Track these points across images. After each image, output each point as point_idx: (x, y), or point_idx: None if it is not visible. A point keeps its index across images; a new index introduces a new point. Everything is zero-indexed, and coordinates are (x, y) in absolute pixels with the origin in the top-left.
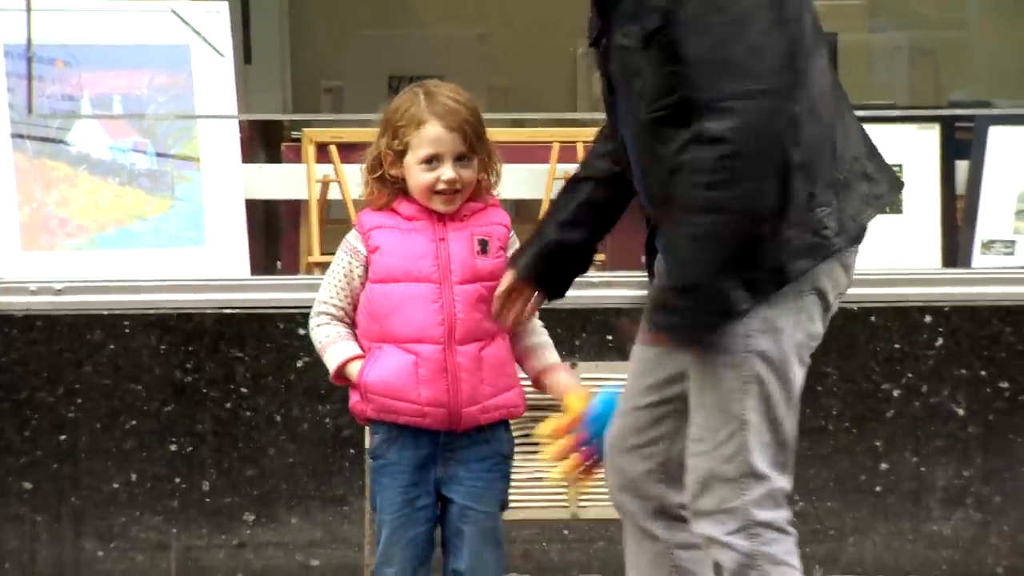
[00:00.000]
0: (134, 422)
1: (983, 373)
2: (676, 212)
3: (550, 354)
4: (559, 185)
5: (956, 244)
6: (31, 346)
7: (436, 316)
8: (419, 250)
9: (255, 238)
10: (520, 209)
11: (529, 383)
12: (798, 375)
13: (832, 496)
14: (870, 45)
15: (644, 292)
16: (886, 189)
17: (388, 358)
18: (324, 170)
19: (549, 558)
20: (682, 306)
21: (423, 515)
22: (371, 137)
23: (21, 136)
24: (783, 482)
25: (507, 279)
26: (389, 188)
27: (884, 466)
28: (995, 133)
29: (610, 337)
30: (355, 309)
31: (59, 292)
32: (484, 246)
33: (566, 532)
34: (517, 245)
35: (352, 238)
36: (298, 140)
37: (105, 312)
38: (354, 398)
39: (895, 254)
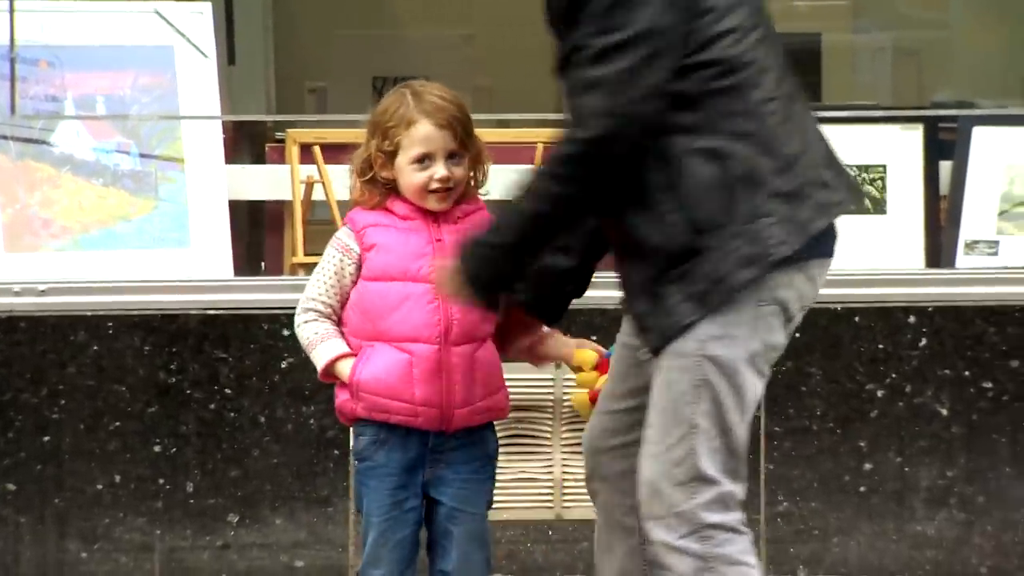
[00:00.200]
0: (118, 423)
1: (967, 373)
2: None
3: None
4: None
5: (940, 244)
6: (14, 347)
7: (432, 316)
8: (417, 249)
9: (239, 239)
10: None
11: (511, 385)
12: (753, 384)
13: (816, 496)
14: (853, 45)
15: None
16: (843, 196)
17: (381, 357)
18: (308, 171)
19: (533, 559)
20: (475, 254)
21: (411, 517)
22: (355, 138)
23: (4, 137)
24: (733, 487)
25: (502, 308)
26: (380, 189)
27: (868, 466)
28: (978, 133)
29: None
30: (343, 307)
31: (42, 293)
32: None
33: (550, 533)
34: None
35: (344, 236)
36: (282, 141)
37: (89, 313)
38: (342, 397)
39: (879, 254)
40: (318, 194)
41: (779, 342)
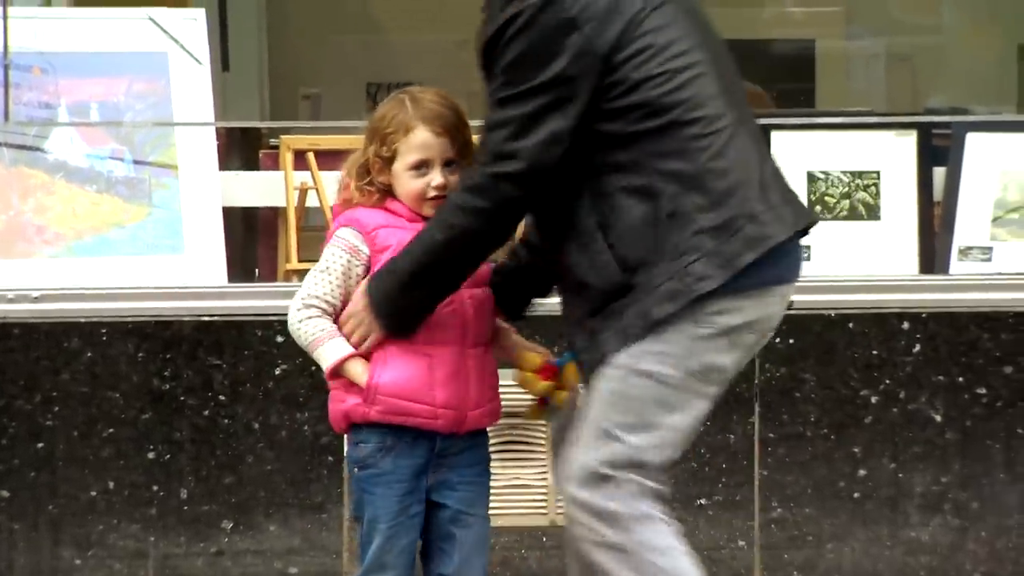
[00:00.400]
0: (112, 430)
1: (961, 379)
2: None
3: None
4: None
5: (933, 250)
6: (8, 354)
7: (451, 318)
8: None
9: (233, 246)
10: None
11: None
12: (686, 400)
13: (810, 502)
14: (847, 52)
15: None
16: (774, 230)
17: (401, 360)
18: (302, 177)
19: (528, 565)
20: (379, 279)
21: (416, 522)
22: (349, 144)
23: None
24: (652, 483)
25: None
26: (377, 192)
27: (862, 472)
28: (972, 139)
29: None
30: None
31: (36, 300)
32: None
33: (544, 539)
34: None
35: (351, 236)
36: (276, 147)
37: (83, 320)
38: (351, 401)
39: (873, 260)
40: (312, 201)
41: (721, 363)
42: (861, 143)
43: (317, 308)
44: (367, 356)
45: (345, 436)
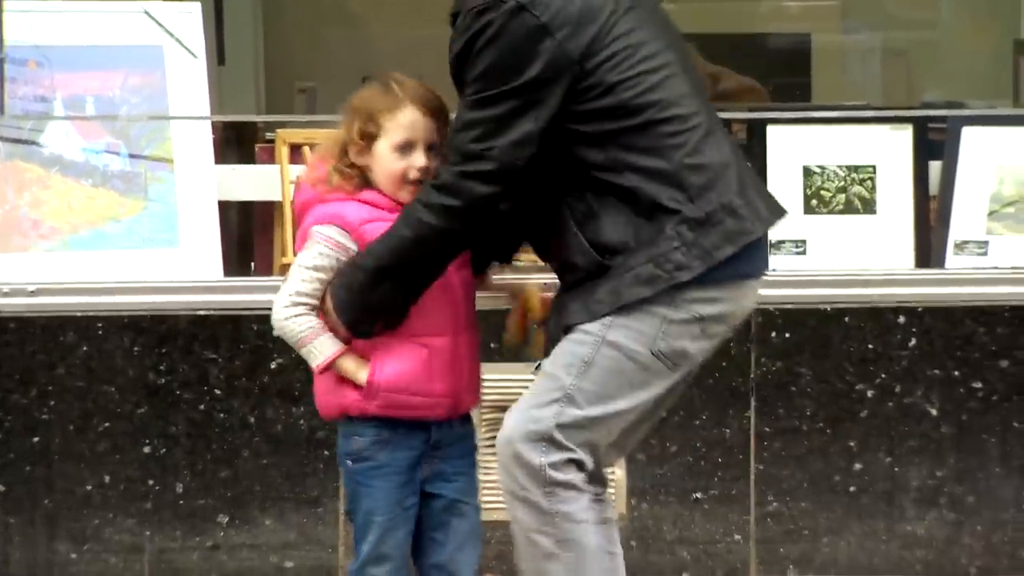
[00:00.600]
0: (107, 424)
1: (956, 373)
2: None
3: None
4: None
5: (929, 245)
6: (3, 348)
7: (446, 306)
8: None
9: (228, 240)
10: None
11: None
12: (645, 379)
13: (806, 496)
14: (843, 46)
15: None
16: (752, 226)
17: (400, 354)
18: (298, 171)
19: None
20: (344, 276)
21: (411, 514)
22: None
23: None
24: (584, 458)
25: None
26: (355, 176)
27: (858, 466)
28: (968, 134)
29: None
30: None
31: (32, 294)
32: None
33: None
34: None
35: (335, 233)
36: (272, 141)
37: (78, 314)
38: (351, 396)
39: (868, 255)
40: None
41: (690, 350)
42: (857, 137)
43: (304, 306)
44: (359, 349)
45: (340, 430)
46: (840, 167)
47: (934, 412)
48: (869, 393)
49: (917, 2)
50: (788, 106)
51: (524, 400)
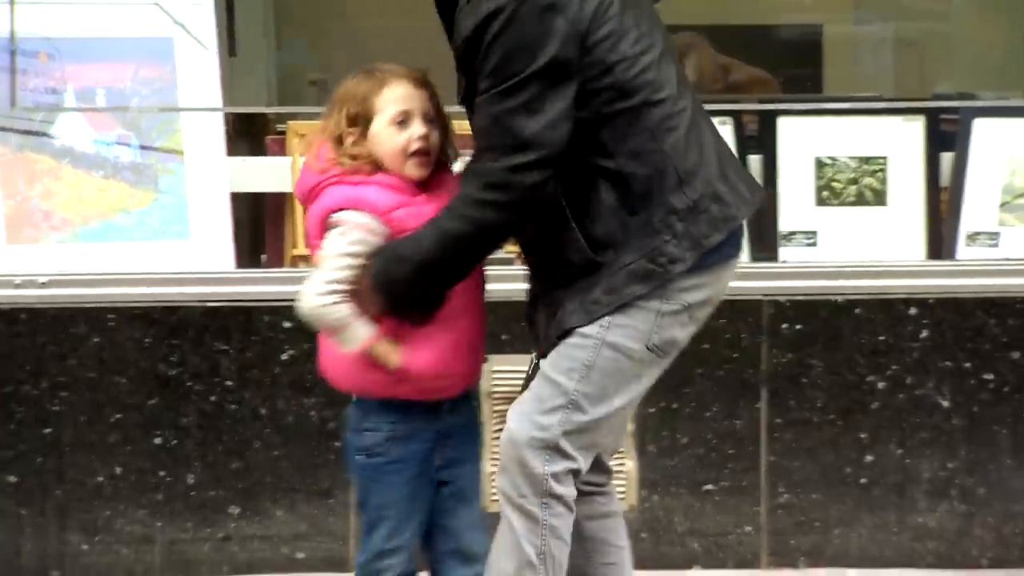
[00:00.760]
0: (119, 415)
1: (967, 365)
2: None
3: None
4: None
5: (941, 236)
6: (15, 339)
7: (472, 289)
8: None
9: (240, 231)
10: None
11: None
12: (641, 373)
13: (817, 488)
14: (854, 37)
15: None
16: (737, 211)
17: (430, 339)
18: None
19: None
20: (388, 265)
21: (424, 505)
22: None
23: (4, 129)
24: (583, 464)
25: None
26: (367, 160)
27: (869, 458)
28: (980, 125)
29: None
30: None
31: (43, 285)
32: None
33: None
34: None
35: (367, 219)
36: (283, 133)
37: (89, 305)
38: (378, 378)
39: (880, 246)
40: None
41: (678, 338)
42: (868, 129)
43: (339, 293)
44: (387, 329)
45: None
46: (851, 158)
47: (945, 404)
48: (880, 385)
49: None
50: (799, 97)
51: (527, 403)
